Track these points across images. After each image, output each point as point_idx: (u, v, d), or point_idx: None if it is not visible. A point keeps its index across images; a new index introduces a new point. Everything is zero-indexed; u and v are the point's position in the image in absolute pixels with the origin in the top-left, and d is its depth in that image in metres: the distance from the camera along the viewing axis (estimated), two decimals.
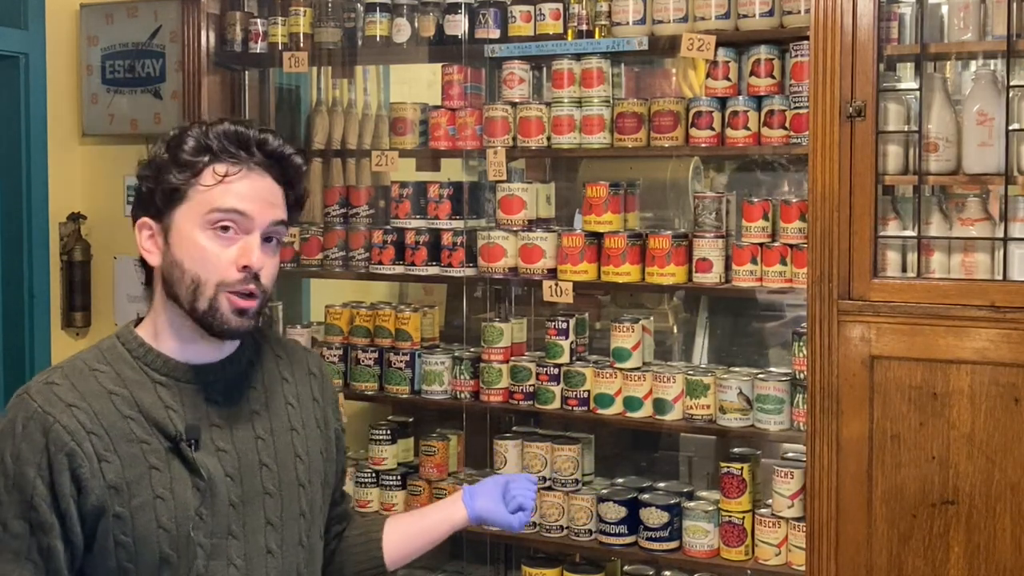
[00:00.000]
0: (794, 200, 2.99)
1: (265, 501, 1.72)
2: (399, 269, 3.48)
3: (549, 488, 3.26)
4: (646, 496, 3.14)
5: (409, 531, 1.99)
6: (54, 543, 1.59)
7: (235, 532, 1.68)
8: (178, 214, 1.66)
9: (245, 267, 1.65)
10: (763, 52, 3.02)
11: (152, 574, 1.62)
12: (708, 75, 3.10)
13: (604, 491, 3.20)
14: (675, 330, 3.61)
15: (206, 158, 1.67)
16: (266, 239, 1.69)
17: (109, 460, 1.60)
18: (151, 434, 1.64)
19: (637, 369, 3.16)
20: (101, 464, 1.60)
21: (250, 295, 1.66)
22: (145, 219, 1.69)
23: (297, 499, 1.77)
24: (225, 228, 1.65)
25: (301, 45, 3.53)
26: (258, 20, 3.58)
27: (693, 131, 3.09)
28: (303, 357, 1.90)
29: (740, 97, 3.04)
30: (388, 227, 3.50)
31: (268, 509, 1.72)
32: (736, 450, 3.13)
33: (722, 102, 3.06)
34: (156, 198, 1.68)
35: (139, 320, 1.77)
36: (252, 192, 1.67)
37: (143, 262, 1.73)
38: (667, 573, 3.24)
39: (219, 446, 1.69)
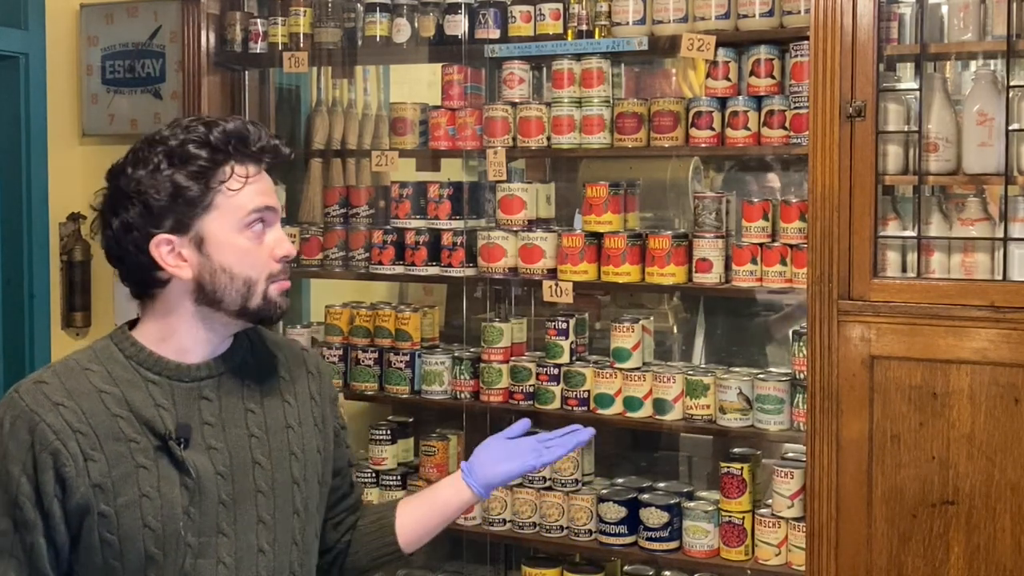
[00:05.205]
0: (794, 200, 2.99)
1: (257, 499, 1.72)
2: (399, 269, 3.48)
3: (549, 488, 3.26)
4: (646, 496, 3.14)
5: (421, 513, 1.98)
6: (37, 540, 1.60)
7: (225, 530, 1.68)
8: (208, 223, 1.66)
9: (284, 256, 1.72)
10: (763, 52, 3.02)
11: (138, 572, 1.62)
12: (708, 75, 3.10)
13: (604, 491, 3.20)
14: (675, 330, 3.61)
15: (220, 158, 1.66)
16: None
17: (95, 459, 1.60)
18: (140, 432, 1.64)
19: (637, 369, 3.16)
20: (87, 463, 1.60)
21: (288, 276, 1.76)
22: (161, 236, 1.66)
23: (291, 497, 1.76)
24: (254, 225, 1.70)
25: (301, 45, 3.53)
26: (258, 20, 3.58)
27: (693, 131, 3.09)
28: (301, 356, 1.90)
29: (740, 97, 3.04)
30: (388, 227, 3.50)
31: (260, 507, 1.72)
32: (736, 450, 3.13)
33: (722, 102, 3.06)
34: (174, 212, 1.65)
35: (133, 323, 1.76)
36: (268, 186, 1.73)
37: (143, 276, 1.70)
38: (667, 573, 3.24)
39: (210, 444, 1.69)
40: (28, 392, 1.63)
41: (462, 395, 3.38)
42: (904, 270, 2.73)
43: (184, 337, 1.71)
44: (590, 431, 2.01)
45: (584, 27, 3.19)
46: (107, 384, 1.66)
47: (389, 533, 1.96)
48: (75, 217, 4.10)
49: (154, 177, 1.65)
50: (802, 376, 2.84)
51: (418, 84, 3.86)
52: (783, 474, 2.94)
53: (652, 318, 3.33)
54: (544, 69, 3.47)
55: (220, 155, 1.66)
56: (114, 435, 1.63)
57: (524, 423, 2.03)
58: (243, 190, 1.67)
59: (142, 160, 1.66)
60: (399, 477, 3.46)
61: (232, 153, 1.67)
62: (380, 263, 3.49)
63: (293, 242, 3.56)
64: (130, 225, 1.66)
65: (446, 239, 3.40)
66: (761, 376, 3.05)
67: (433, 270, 3.43)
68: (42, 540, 1.60)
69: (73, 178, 4.10)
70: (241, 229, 1.68)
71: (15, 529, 1.60)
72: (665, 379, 3.12)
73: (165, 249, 1.66)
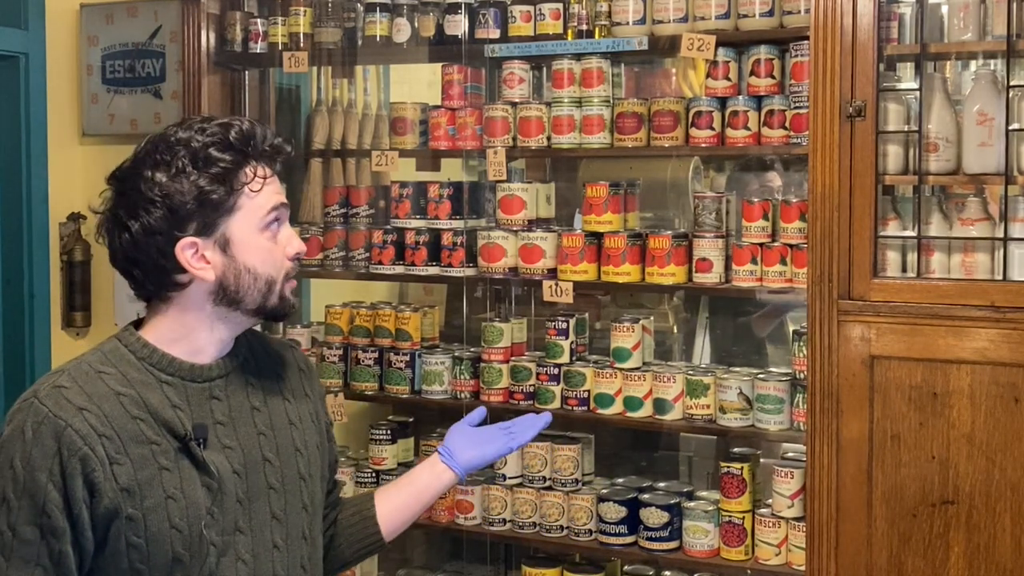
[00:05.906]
0: (794, 200, 2.99)
1: (270, 496, 1.74)
2: (399, 269, 3.48)
3: (549, 488, 3.26)
4: (646, 496, 3.14)
5: (401, 501, 2.04)
6: (65, 548, 1.58)
7: (242, 528, 1.69)
8: (232, 224, 1.67)
9: (296, 254, 1.75)
10: (763, 52, 3.02)
11: (164, 574, 1.62)
12: (708, 75, 3.10)
13: (604, 491, 3.19)
14: (675, 330, 3.61)
15: (241, 160, 1.68)
16: None
17: (121, 463, 1.60)
18: (160, 434, 1.64)
19: (637, 369, 3.16)
20: (113, 467, 1.59)
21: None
22: (187, 239, 1.65)
23: (299, 493, 1.78)
24: (272, 224, 1.72)
25: (301, 45, 3.53)
26: (258, 20, 3.58)
27: (693, 131, 3.09)
28: (290, 354, 1.92)
29: (740, 97, 3.04)
30: (388, 227, 3.49)
31: (273, 504, 1.74)
32: (736, 450, 3.13)
33: (722, 102, 3.06)
34: (200, 215, 1.65)
35: (138, 322, 1.76)
36: (279, 184, 1.76)
37: (161, 279, 1.69)
38: (667, 573, 3.24)
39: (225, 443, 1.70)
40: (49, 397, 1.61)
41: (462, 395, 3.38)
42: (904, 270, 2.73)
43: (199, 338, 1.72)
44: (547, 415, 2.15)
45: (584, 27, 3.19)
46: (123, 386, 1.65)
47: (372, 525, 2.00)
48: (75, 217, 4.10)
49: (178, 180, 1.64)
50: (802, 376, 2.84)
51: (418, 84, 3.86)
52: (783, 474, 2.94)
53: (652, 318, 3.33)
54: (544, 69, 3.47)
55: (240, 157, 1.67)
56: (136, 438, 1.62)
57: (481, 411, 2.16)
58: (262, 190, 1.69)
59: (163, 163, 1.65)
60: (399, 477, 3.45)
61: (250, 154, 1.68)
62: (380, 263, 3.49)
63: None
64: (153, 228, 1.65)
65: (446, 239, 3.40)
66: (761, 376, 3.05)
67: (433, 270, 3.43)
68: (69, 548, 1.58)
69: (73, 178, 4.10)
70: (262, 229, 1.70)
71: (42, 537, 1.58)
72: (665, 379, 3.12)
73: (190, 252, 1.66)
